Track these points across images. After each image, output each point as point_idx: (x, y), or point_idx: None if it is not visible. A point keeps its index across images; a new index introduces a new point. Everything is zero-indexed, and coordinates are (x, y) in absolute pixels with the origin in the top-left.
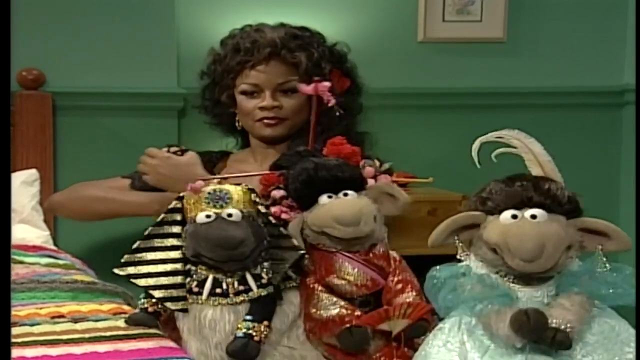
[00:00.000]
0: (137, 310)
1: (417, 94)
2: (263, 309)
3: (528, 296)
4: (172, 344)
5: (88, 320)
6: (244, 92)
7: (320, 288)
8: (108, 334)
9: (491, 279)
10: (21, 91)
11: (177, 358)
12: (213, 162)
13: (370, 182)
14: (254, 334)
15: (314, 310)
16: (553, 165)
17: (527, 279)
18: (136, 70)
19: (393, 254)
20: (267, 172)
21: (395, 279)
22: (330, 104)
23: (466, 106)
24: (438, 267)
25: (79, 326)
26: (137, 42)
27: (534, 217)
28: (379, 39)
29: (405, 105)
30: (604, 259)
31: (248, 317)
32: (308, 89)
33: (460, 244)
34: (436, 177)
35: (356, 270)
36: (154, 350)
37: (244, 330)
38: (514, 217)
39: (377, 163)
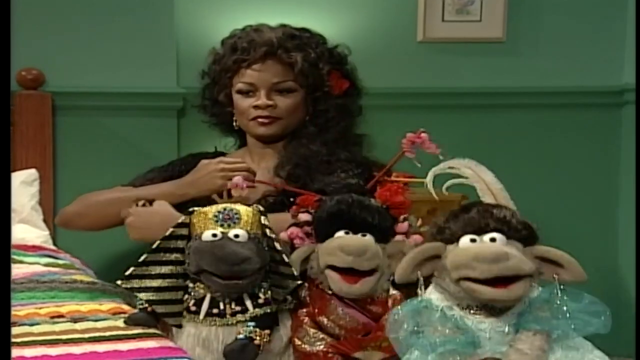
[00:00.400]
0: (136, 310)
1: (417, 93)
2: (265, 322)
3: (491, 327)
4: (171, 343)
5: (87, 320)
6: (240, 91)
7: (309, 323)
8: (107, 333)
9: (453, 314)
10: (21, 91)
11: (177, 358)
12: None
13: (400, 237)
14: (255, 337)
15: (299, 342)
16: (505, 192)
17: (490, 309)
18: (136, 69)
19: (395, 294)
20: (311, 193)
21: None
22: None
23: (466, 106)
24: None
25: (78, 326)
26: (136, 41)
27: (493, 240)
28: (379, 39)
29: (405, 105)
30: (560, 289)
31: (251, 324)
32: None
33: (422, 282)
34: (436, 177)
35: (348, 317)
36: (153, 350)
37: (246, 333)
38: (473, 241)
39: (419, 223)
